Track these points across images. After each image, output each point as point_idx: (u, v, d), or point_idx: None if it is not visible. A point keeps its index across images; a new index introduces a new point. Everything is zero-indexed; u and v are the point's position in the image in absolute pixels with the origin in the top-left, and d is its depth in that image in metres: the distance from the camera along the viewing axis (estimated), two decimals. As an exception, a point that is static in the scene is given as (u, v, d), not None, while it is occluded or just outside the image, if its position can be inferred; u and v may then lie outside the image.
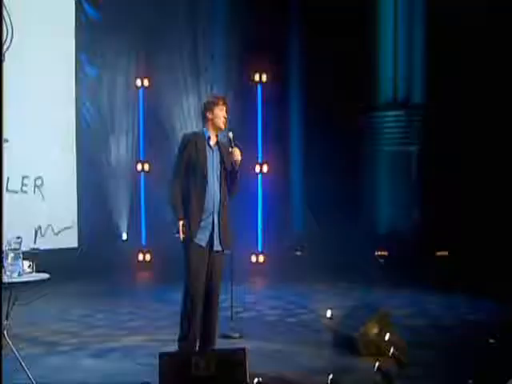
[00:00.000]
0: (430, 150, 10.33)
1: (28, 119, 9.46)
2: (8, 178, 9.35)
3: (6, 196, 9.29)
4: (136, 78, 10.69)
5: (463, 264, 9.21)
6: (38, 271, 4.42)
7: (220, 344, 5.57)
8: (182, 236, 4.85)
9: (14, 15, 9.37)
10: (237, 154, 4.91)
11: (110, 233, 10.58)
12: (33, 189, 9.70)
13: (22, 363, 4.43)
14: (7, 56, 9.34)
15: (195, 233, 4.84)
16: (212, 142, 4.99)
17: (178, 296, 7.91)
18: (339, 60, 10.21)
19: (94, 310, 7.32)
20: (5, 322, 4.34)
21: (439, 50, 10.04)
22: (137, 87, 10.69)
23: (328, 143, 10.18)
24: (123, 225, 10.77)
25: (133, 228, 10.74)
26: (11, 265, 4.13)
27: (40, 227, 9.70)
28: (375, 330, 5.33)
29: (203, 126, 5.07)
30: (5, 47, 9.39)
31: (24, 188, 9.61)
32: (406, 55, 10.67)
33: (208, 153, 4.93)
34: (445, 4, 9.81)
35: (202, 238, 4.87)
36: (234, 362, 3.88)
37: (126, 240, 10.78)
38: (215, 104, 4.99)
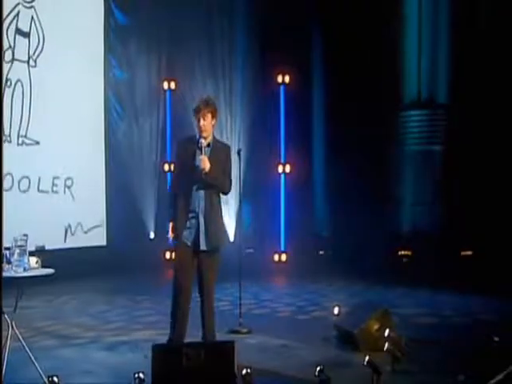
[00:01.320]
0: (453, 149, 10.28)
1: (59, 122, 9.83)
2: (39, 179, 9.76)
3: (37, 196, 9.73)
4: (163, 80, 11.00)
5: (487, 264, 9.15)
6: (45, 267, 4.67)
7: (227, 339, 5.78)
8: (171, 236, 5.06)
9: (45, 21, 9.76)
10: (204, 163, 4.98)
11: (138, 232, 10.89)
12: (63, 189, 10.07)
13: (30, 354, 4.67)
14: (39, 61, 9.78)
15: (182, 232, 5.02)
16: (202, 145, 5.08)
17: (194, 292, 8.16)
18: (363, 60, 10.26)
19: (115, 306, 7.61)
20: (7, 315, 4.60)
21: (463, 50, 9.99)
22: (164, 90, 11.00)
23: (351, 143, 10.26)
24: (150, 224, 11.08)
25: (160, 227, 11.02)
26: (17, 261, 4.39)
27: (70, 226, 10.08)
28: (376, 327, 5.43)
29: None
30: (36, 52, 9.80)
31: (55, 188, 9.99)
32: (430, 55, 10.62)
33: (197, 156, 5.06)
34: (469, 4, 9.78)
35: (188, 238, 5.05)
36: (222, 353, 4.05)
37: (153, 239, 11.07)
38: (197, 109, 5.08)
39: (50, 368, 4.81)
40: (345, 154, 10.36)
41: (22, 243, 4.43)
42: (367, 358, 4.44)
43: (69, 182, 10.10)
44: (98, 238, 10.40)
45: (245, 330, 6.12)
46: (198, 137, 5.17)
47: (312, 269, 9.85)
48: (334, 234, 10.78)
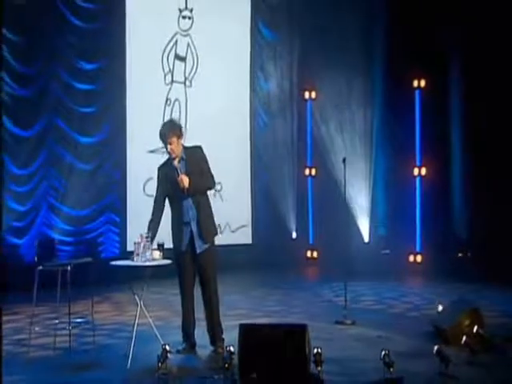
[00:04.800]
0: None
1: (210, 133, 10.87)
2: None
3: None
4: (304, 90, 11.77)
5: None
6: (166, 258, 5.66)
7: (332, 329, 6.42)
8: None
9: (199, 46, 10.98)
10: (184, 182, 5.42)
11: (281, 231, 11.73)
12: (213, 192, 11.19)
13: (155, 329, 5.69)
14: (193, 81, 11.04)
15: (179, 241, 5.61)
16: (175, 163, 5.50)
17: (326, 289, 8.74)
18: (503, 63, 10.15)
19: (248, 296, 8.49)
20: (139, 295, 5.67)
21: None
22: (304, 99, 11.77)
23: (490, 143, 10.21)
24: (292, 225, 11.86)
25: (301, 227, 11.79)
26: (143, 253, 5.43)
27: (219, 225, 11.06)
28: (466, 323, 5.72)
29: None
30: (191, 74, 11.06)
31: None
32: None
33: (175, 174, 5.48)
34: None
35: (184, 245, 5.63)
36: (297, 334, 4.70)
37: (296, 239, 11.86)
38: (162, 136, 5.50)
39: (172, 342, 5.74)
40: (484, 155, 10.33)
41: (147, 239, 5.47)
42: (436, 347, 4.83)
43: (218, 186, 11.19)
44: (245, 237, 11.42)
45: (349, 322, 6.68)
46: (170, 157, 5.56)
47: (447, 270, 9.93)
48: (474, 237, 10.73)
